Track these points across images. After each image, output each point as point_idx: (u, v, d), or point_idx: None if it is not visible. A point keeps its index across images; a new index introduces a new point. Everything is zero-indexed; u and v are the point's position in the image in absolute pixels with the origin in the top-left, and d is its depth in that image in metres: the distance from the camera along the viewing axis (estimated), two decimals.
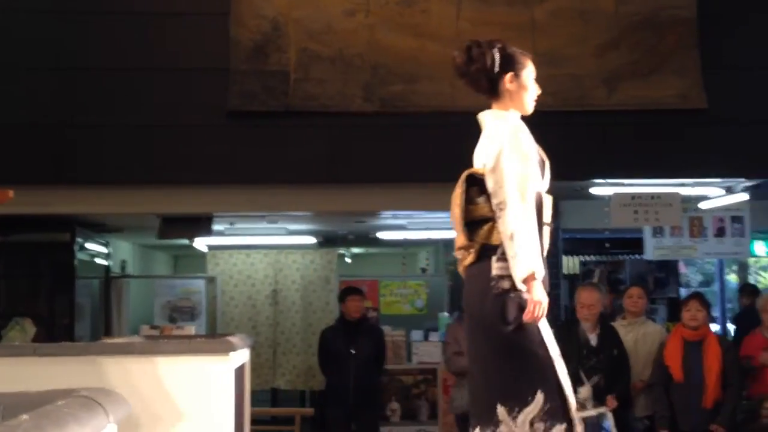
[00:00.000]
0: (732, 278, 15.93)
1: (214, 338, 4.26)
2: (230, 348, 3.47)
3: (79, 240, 8.85)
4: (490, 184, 3.31)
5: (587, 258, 11.82)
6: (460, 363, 6.40)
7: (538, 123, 7.03)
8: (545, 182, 3.49)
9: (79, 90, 7.02)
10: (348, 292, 7.45)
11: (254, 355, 6.92)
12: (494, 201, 3.28)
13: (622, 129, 7.12)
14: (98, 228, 9.32)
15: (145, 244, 12.00)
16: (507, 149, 3.30)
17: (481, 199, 3.36)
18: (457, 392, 6.48)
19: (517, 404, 3.20)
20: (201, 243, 9.99)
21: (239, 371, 3.79)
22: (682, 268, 16.57)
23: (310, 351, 9.13)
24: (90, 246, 9.42)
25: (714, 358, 6.01)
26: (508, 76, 3.47)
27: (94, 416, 2.12)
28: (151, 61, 7.10)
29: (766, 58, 7.32)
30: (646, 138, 7.14)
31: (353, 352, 7.13)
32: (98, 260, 9.95)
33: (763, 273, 20.79)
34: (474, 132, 7.02)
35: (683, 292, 11.52)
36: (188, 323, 9.33)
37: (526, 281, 3.17)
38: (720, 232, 9.11)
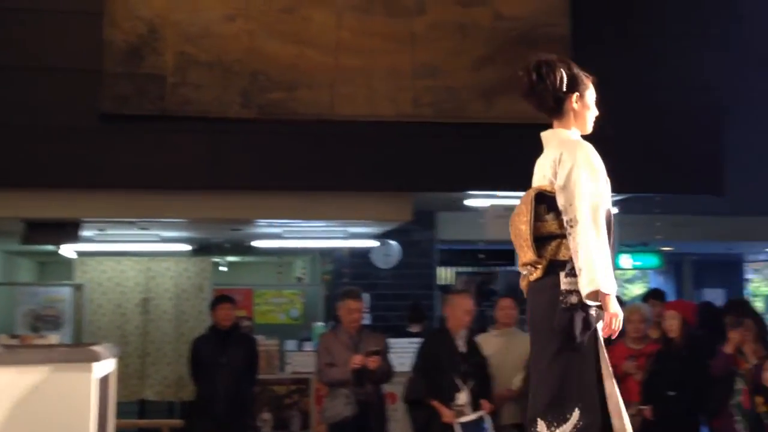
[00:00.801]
0: None
1: (77, 347, 4.09)
2: (93, 357, 3.33)
3: None
4: (560, 201, 3.34)
5: (462, 269, 11.97)
6: (332, 374, 6.37)
7: (415, 134, 7.15)
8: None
9: None
10: (219, 300, 7.34)
11: (121, 365, 6.70)
12: (565, 218, 3.31)
13: (498, 142, 7.24)
14: None
15: (9, 249, 11.50)
16: (579, 167, 3.33)
17: (549, 216, 3.40)
18: (330, 402, 6.44)
19: (555, 420, 3.26)
20: (69, 249, 9.64)
21: (103, 382, 3.64)
22: None
23: (181, 361, 8.91)
24: None
25: None
26: (574, 96, 3.51)
27: None
28: (20, 60, 6.83)
29: (639, 75, 7.57)
30: (520, 151, 7.21)
31: (224, 361, 7.00)
32: None
33: (628, 285, 21.57)
34: (351, 140, 7.07)
35: None
36: (52, 332, 8.97)
37: (596, 297, 3.21)
38: None
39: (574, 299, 3.25)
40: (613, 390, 3.31)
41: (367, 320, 9.21)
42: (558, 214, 3.35)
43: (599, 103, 3.62)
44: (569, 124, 3.53)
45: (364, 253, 10.01)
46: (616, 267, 11.88)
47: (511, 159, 7.28)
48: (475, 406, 6.08)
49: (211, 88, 6.83)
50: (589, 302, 3.23)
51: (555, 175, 3.37)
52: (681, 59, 7.61)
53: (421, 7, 7.06)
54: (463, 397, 6.07)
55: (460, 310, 6.27)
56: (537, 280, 3.39)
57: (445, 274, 11.73)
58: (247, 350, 7.25)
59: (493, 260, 11.61)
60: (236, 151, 7.02)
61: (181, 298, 9.52)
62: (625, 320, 6.60)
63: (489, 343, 6.66)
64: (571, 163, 3.33)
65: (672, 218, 9.18)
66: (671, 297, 12.15)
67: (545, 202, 3.39)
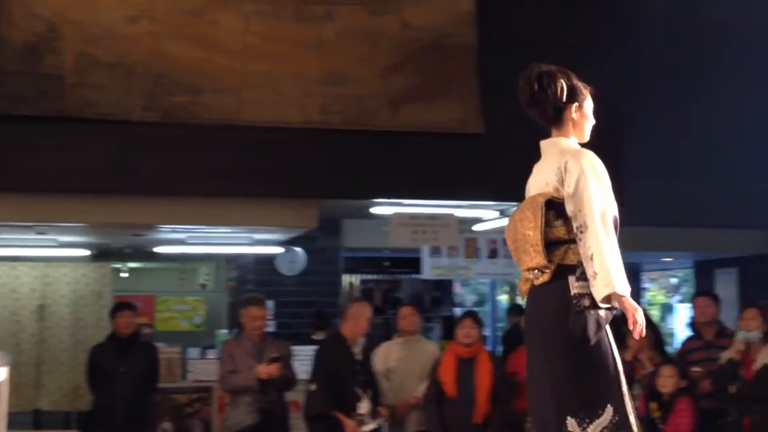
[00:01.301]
0: (503, 298, 16.67)
1: None
2: None
3: None
4: (570, 208, 3.43)
5: (367, 276, 11.99)
6: (235, 381, 6.29)
7: (321, 141, 7.12)
8: None
9: None
10: (119, 307, 7.20)
11: (15, 374, 6.48)
12: (575, 224, 3.41)
13: (403, 150, 7.26)
14: None
15: None
16: (586, 175, 3.43)
17: (558, 222, 3.48)
18: (232, 411, 6.36)
19: (588, 416, 3.36)
20: None
21: None
22: (458, 288, 17.13)
23: (78, 369, 8.67)
24: None
25: (485, 374, 6.22)
26: (574, 106, 3.62)
27: None
28: None
29: None
30: (426, 160, 7.32)
31: (123, 370, 6.85)
32: None
33: None
34: (257, 145, 6.99)
35: (458, 311, 11.92)
36: None
37: (609, 299, 3.30)
38: (493, 254, 9.51)
39: (586, 302, 3.36)
40: (626, 388, 3.46)
41: (271, 327, 9.15)
42: (566, 220, 3.45)
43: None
44: (568, 133, 3.65)
45: (269, 259, 9.93)
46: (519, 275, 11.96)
47: (417, 167, 7.35)
48: (373, 415, 6.12)
49: (112, 90, 6.66)
50: (602, 305, 3.34)
51: (561, 182, 3.48)
52: (581, 71, 7.77)
53: (329, 14, 7.04)
54: (364, 407, 6.09)
55: (360, 319, 6.27)
56: (544, 284, 3.49)
57: (349, 282, 11.72)
58: (147, 359, 7.12)
59: (397, 268, 11.66)
60: (138, 155, 6.87)
61: (79, 304, 9.26)
62: None
63: (393, 351, 6.68)
64: (579, 171, 3.44)
65: None
66: None
67: (554, 208, 3.48)
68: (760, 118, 9.16)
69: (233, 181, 7.04)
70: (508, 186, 7.67)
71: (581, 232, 3.37)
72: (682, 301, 15.58)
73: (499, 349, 15.25)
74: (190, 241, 8.63)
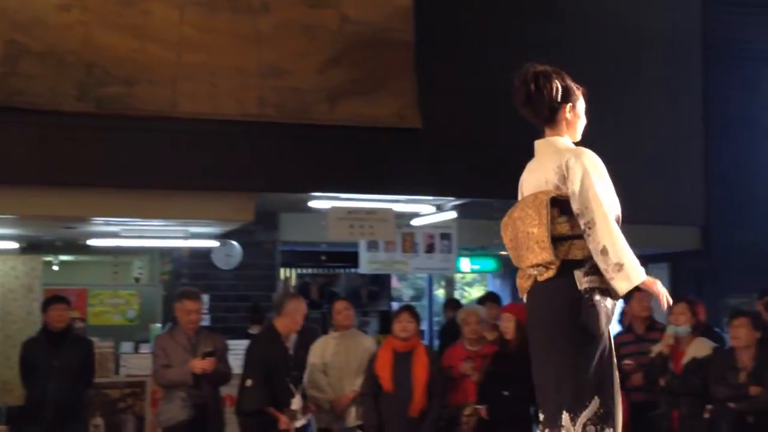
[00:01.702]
0: (440, 293, 16.77)
1: None
2: None
3: None
4: (576, 206, 3.49)
5: (304, 270, 11.95)
6: (168, 376, 6.22)
7: (258, 134, 7.07)
8: None
9: None
10: (51, 300, 7.03)
11: None
12: (582, 221, 3.47)
13: (341, 144, 7.25)
14: None
15: None
16: (590, 173, 3.50)
17: (562, 219, 3.54)
18: (165, 406, 6.28)
19: (578, 409, 3.46)
20: None
21: None
22: (395, 282, 17.17)
23: (8, 364, 8.49)
24: None
25: (422, 368, 6.24)
26: (568, 106, 3.67)
27: None
28: None
29: (478, 84, 7.74)
30: (363, 154, 7.32)
31: (56, 364, 6.71)
32: None
33: (468, 288, 22.09)
34: (193, 138, 6.91)
35: (395, 305, 11.95)
36: None
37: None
38: (430, 249, 9.54)
39: (597, 296, 3.46)
40: (617, 381, 3.57)
41: (206, 321, 9.06)
42: (570, 216, 3.52)
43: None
44: (562, 132, 3.70)
45: (204, 253, 9.83)
46: (457, 270, 12.09)
47: (355, 162, 7.35)
48: (303, 410, 6.14)
49: (43, 80, 6.52)
50: (617, 295, 3.48)
51: (563, 180, 3.53)
52: (522, 66, 7.84)
53: (266, 6, 6.98)
54: (296, 402, 6.08)
55: (296, 315, 6.25)
56: (548, 279, 3.55)
57: (287, 276, 11.67)
58: (82, 353, 6.98)
59: (335, 262, 11.64)
60: (70, 146, 6.74)
61: (8, 298, 9.07)
62: (462, 323, 6.83)
63: (329, 345, 6.67)
64: (582, 169, 3.51)
65: None
66: (508, 300, 12.53)
67: (557, 205, 3.54)
68: (684, 118, 9.37)
69: (168, 174, 6.95)
70: (445, 181, 7.77)
71: (589, 228, 3.45)
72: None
73: (436, 343, 15.35)
74: (123, 234, 8.50)
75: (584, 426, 3.44)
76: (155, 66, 6.68)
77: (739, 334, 5.91)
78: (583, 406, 3.46)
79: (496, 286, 15.48)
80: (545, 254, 3.51)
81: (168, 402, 6.26)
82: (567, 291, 3.50)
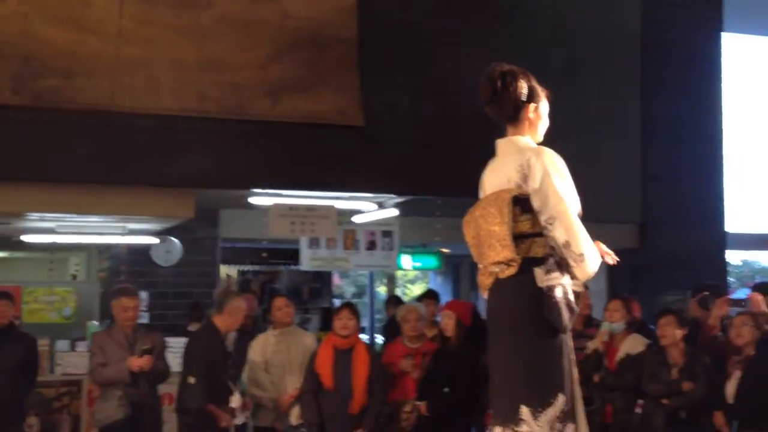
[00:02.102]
0: (382, 290, 16.81)
1: None
2: None
3: None
4: (536, 203, 3.56)
5: (245, 267, 11.88)
6: (105, 373, 6.13)
7: (198, 129, 7.00)
8: None
9: None
10: None
11: None
12: (543, 217, 3.55)
13: (282, 141, 7.23)
14: None
15: None
16: (551, 171, 3.57)
17: (524, 217, 3.60)
18: (102, 405, 6.19)
19: (541, 405, 3.51)
20: None
21: None
22: (337, 280, 17.16)
23: None
24: None
25: (362, 365, 6.24)
26: (531, 106, 3.73)
27: None
28: None
29: (421, 82, 7.78)
30: (305, 151, 7.31)
31: None
32: None
33: (410, 285, 22.20)
34: (132, 132, 6.83)
35: (336, 302, 11.94)
36: None
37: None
38: (371, 246, 9.55)
39: (559, 293, 3.56)
40: (577, 378, 3.66)
41: (145, 319, 8.95)
42: (531, 215, 3.59)
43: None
44: (524, 131, 3.76)
45: (144, 250, 9.72)
46: (398, 267, 12.07)
47: (296, 158, 7.33)
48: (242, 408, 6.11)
49: None
50: (578, 285, 3.64)
51: (525, 179, 3.59)
52: (463, 69, 7.89)
53: (207, 0, 6.92)
54: (236, 401, 6.04)
55: (238, 314, 6.20)
56: (510, 276, 3.61)
57: (228, 273, 11.59)
58: (25, 350, 6.79)
59: (276, 259, 11.60)
60: (5, 140, 6.61)
61: None
62: (402, 320, 6.85)
63: (269, 343, 6.63)
64: (542, 167, 3.58)
65: (451, 221, 9.47)
66: (449, 298, 12.60)
67: (519, 204, 3.60)
68: (621, 118, 9.53)
69: (106, 169, 6.86)
70: (387, 178, 7.79)
71: (549, 224, 3.54)
72: None
73: (378, 340, 15.38)
74: (59, 230, 8.37)
75: (551, 423, 3.51)
76: (94, 59, 6.58)
77: (666, 332, 6.03)
78: (547, 403, 3.52)
79: (437, 283, 15.57)
80: (507, 252, 3.57)
81: (104, 401, 6.17)
82: (529, 288, 3.57)
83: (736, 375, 5.81)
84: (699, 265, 9.96)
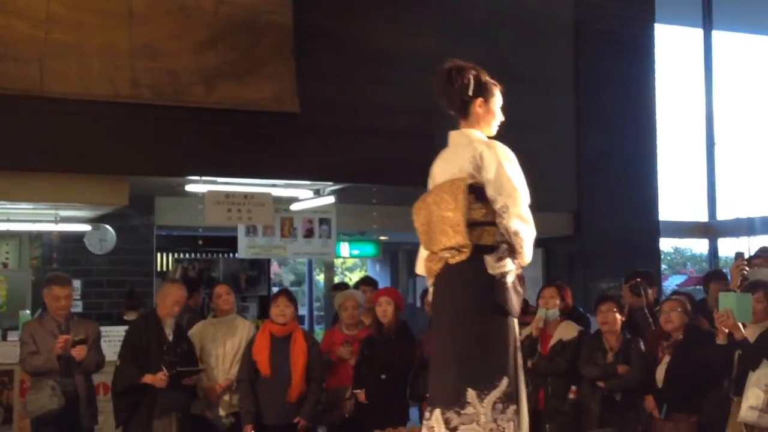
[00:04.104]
0: (321, 278, 16.79)
1: None
2: None
3: None
4: (490, 192, 3.69)
5: (181, 255, 11.77)
6: (36, 362, 6.02)
7: (132, 116, 6.91)
8: None
9: None
10: None
11: None
12: (497, 206, 3.68)
13: (218, 128, 7.17)
14: None
15: None
16: (503, 163, 3.71)
17: (477, 205, 3.72)
18: (34, 395, 6.07)
19: (486, 388, 3.64)
20: None
21: None
22: (276, 268, 17.06)
23: None
24: None
25: (300, 352, 6.23)
26: (478, 101, 3.86)
27: None
28: None
29: (357, 70, 7.77)
30: (241, 138, 7.26)
31: None
32: None
33: (349, 273, 22.21)
34: (63, 118, 6.71)
35: (275, 290, 11.89)
36: None
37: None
38: (309, 233, 9.52)
39: (509, 279, 3.72)
40: (521, 361, 3.80)
41: (79, 308, 8.82)
42: (485, 204, 3.72)
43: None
44: (474, 125, 3.89)
45: (77, 237, 9.56)
46: (336, 255, 12.00)
47: (232, 145, 7.28)
48: None
49: None
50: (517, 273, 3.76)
51: (478, 169, 3.73)
52: (400, 57, 7.92)
53: None
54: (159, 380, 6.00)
55: (170, 299, 6.16)
56: (460, 262, 3.72)
57: (163, 260, 11.47)
58: None
59: (212, 247, 11.49)
60: None
61: None
62: (340, 307, 6.85)
63: (207, 331, 6.59)
64: (495, 159, 3.73)
65: (388, 209, 9.51)
66: (388, 285, 12.63)
67: (473, 192, 3.72)
68: (556, 107, 9.65)
69: (37, 155, 6.74)
70: (323, 166, 7.77)
71: (503, 212, 3.68)
72: None
73: (317, 328, 15.39)
74: None
75: (493, 404, 3.63)
76: (22, 43, 6.45)
77: (608, 319, 6.15)
78: (492, 386, 3.65)
79: (375, 271, 15.61)
80: (459, 237, 3.70)
81: (37, 391, 6.06)
82: (478, 273, 3.71)
83: (666, 360, 5.94)
84: (632, 252, 10.15)
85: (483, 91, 3.87)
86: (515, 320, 3.78)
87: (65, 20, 6.60)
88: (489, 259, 3.69)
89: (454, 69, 3.84)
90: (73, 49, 6.61)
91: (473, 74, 3.84)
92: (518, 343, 3.79)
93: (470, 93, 3.83)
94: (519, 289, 3.77)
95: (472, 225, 3.70)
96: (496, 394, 3.64)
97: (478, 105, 3.86)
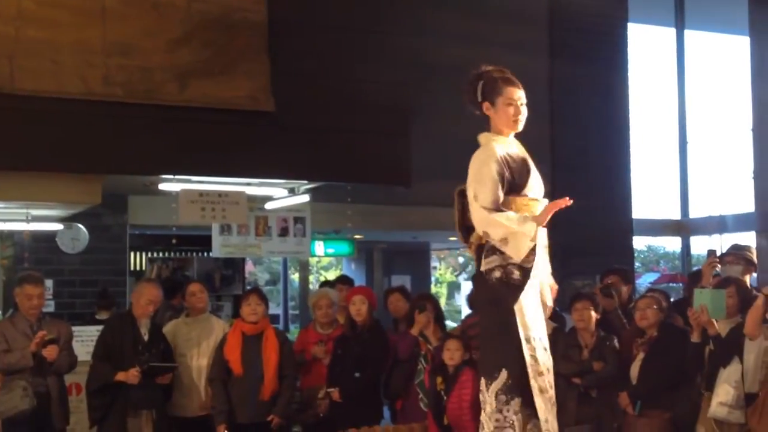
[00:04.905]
0: (295, 277, 16.74)
1: None
2: None
3: None
4: (470, 194, 3.97)
5: (155, 255, 11.70)
6: (9, 359, 5.96)
7: (105, 114, 6.85)
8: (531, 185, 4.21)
9: None
10: None
11: None
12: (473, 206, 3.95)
13: (192, 126, 7.13)
14: None
15: None
16: (470, 167, 4.00)
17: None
18: (5, 395, 5.99)
19: (490, 378, 3.94)
20: None
21: None
22: (251, 267, 17.00)
23: None
24: None
25: (272, 351, 6.21)
26: (485, 105, 4.12)
27: None
28: None
29: (331, 69, 7.76)
30: (215, 136, 7.22)
31: None
32: None
33: (324, 272, 22.16)
34: (35, 116, 6.64)
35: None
36: None
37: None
38: (284, 232, 9.49)
39: (497, 274, 3.91)
40: (532, 354, 3.92)
41: (51, 307, 8.74)
42: None
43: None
44: (494, 128, 4.13)
45: (49, 236, 9.48)
46: (311, 254, 11.96)
47: (206, 144, 7.24)
48: None
49: None
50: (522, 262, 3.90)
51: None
52: (376, 56, 7.91)
53: None
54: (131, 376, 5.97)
55: (144, 299, 6.13)
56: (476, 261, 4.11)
57: (137, 260, 11.40)
58: None
59: (186, 246, 11.44)
60: None
61: None
62: (314, 306, 6.84)
63: (181, 330, 6.55)
64: (471, 166, 4.02)
65: (363, 207, 9.51)
66: (363, 284, 12.63)
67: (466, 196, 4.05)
68: (531, 105, 9.65)
69: (8, 154, 6.67)
70: (297, 164, 7.74)
71: (472, 210, 3.94)
72: (468, 279, 16.20)
73: (292, 327, 15.34)
74: None
75: (496, 394, 3.91)
76: None
77: (584, 316, 6.17)
78: (492, 377, 3.93)
79: (351, 269, 15.59)
80: (460, 238, 4.12)
81: (8, 391, 5.99)
82: (478, 272, 4.05)
83: (640, 357, 5.97)
84: (606, 250, 10.20)
85: (487, 94, 4.09)
86: (534, 314, 3.94)
87: (36, 17, 6.53)
88: (482, 257, 3.97)
89: (466, 80, 4.12)
90: (45, 46, 6.54)
91: (477, 80, 4.09)
92: (522, 337, 3.88)
93: (479, 99, 4.09)
94: (513, 281, 3.89)
95: (467, 228, 4.04)
96: (497, 385, 3.90)
97: (486, 109, 4.11)
